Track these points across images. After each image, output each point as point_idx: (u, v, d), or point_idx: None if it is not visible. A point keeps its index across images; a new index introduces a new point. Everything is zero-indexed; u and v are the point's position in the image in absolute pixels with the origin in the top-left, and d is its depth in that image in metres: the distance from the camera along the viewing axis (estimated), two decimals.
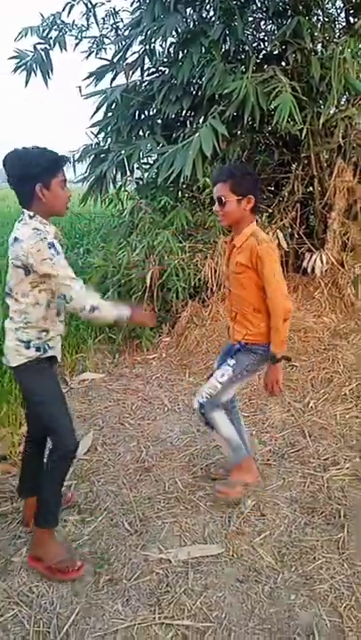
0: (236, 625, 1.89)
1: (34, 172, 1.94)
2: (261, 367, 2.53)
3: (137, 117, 5.76)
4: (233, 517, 2.49)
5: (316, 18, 5.29)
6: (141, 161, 5.54)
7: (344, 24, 5.45)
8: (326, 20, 5.37)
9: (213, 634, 1.86)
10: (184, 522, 2.47)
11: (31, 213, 1.99)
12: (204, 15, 5.54)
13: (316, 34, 5.01)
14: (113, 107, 5.72)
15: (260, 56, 5.51)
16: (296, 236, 5.32)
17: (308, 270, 5.10)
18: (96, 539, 2.36)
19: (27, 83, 5.64)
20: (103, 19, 5.88)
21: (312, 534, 2.37)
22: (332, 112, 4.89)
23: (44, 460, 2.23)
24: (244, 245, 2.33)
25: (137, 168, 5.60)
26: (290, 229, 5.26)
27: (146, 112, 5.79)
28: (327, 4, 5.27)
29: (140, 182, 5.82)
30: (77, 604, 2.00)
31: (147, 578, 2.12)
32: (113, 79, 5.77)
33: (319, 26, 5.24)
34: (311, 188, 5.43)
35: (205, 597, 2.02)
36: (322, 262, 5.00)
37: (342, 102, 5.28)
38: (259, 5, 5.58)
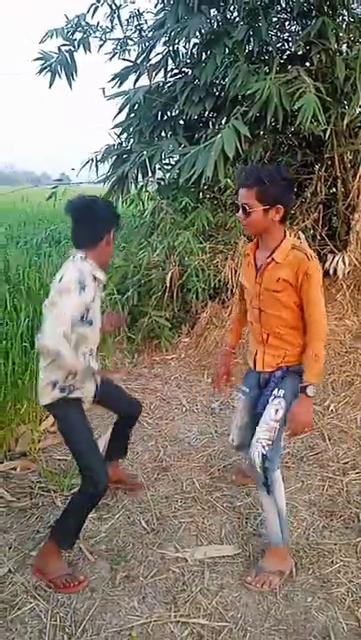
0: (251, 625, 1.88)
1: (108, 217, 2.06)
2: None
3: (159, 118, 5.78)
4: (250, 519, 2.48)
5: (341, 18, 5.23)
6: (163, 162, 5.56)
7: None
8: (352, 20, 5.30)
9: (229, 633, 1.85)
10: (201, 522, 2.47)
11: (83, 255, 2.04)
12: (227, 16, 5.53)
13: (341, 34, 4.95)
14: (136, 108, 5.75)
15: (284, 56, 5.48)
16: (318, 237, 5.27)
17: (331, 272, 5.04)
18: (113, 536, 2.37)
19: (51, 84, 5.70)
20: (127, 20, 5.91)
21: (330, 537, 2.35)
22: (356, 113, 4.83)
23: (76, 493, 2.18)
24: (288, 260, 2.04)
25: (159, 169, 5.62)
26: (312, 231, 5.21)
27: (168, 113, 5.81)
28: (353, 3, 5.21)
29: (162, 183, 5.84)
30: (94, 599, 2.02)
31: (163, 576, 2.13)
32: (136, 80, 5.80)
33: (344, 26, 5.18)
34: (334, 190, 5.37)
35: (221, 597, 2.01)
36: (344, 264, 4.94)
37: None
38: (283, 6, 5.55)
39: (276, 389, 2.12)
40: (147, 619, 1.92)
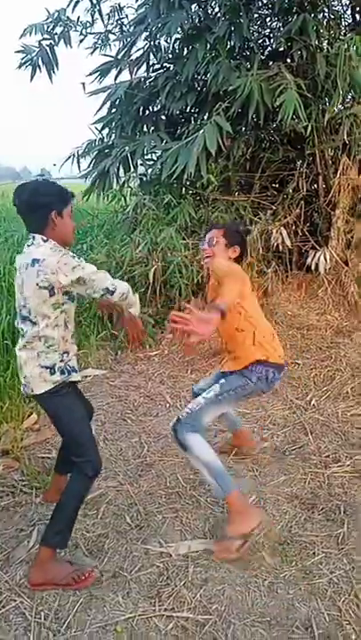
0: (235, 617, 1.90)
1: (48, 199, 2.02)
2: (251, 395, 2.47)
3: (141, 113, 5.77)
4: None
5: (322, 15, 5.27)
6: (145, 157, 5.55)
7: (350, 21, 5.45)
8: (332, 17, 5.36)
9: (213, 626, 1.87)
10: (185, 517, 2.48)
11: (44, 237, 2.02)
12: (209, 11, 5.54)
13: (321, 31, 5.00)
14: (117, 103, 5.73)
15: (266, 53, 5.51)
16: (300, 233, 5.32)
17: (312, 268, 5.10)
18: (98, 532, 2.37)
19: (32, 78, 5.66)
20: (108, 15, 5.89)
21: (312, 530, 2.38)
22: (337, 109, 4.88)
23: (68, 483, 2.16)
24: (212, 270, 2.43)
25: (140, 164, 5.61)
26: (294, 227, 5.26)
27: (150, 108, 5.80)
28: (333, 1, 5.26)
29: (144, 178, 5.83)
30: (78, 595, 2.01)
31: (147, 571, 2.14)
32: (117, 75, 5.77)
33: (325, 23, 5.23)
34: (316, 186, 5.43)
35: (205, 590, 2.03)
36: (326, 260, 5.00)
37: (348, 100, 5.27)
38: (264, 2, 5.59)
39: (221, 379, 2.43)
40: (131, 613, 1.93)
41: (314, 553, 2.23)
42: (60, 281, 1.93)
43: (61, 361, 2.05)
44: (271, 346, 2.40)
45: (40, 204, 2.01)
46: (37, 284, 1.94)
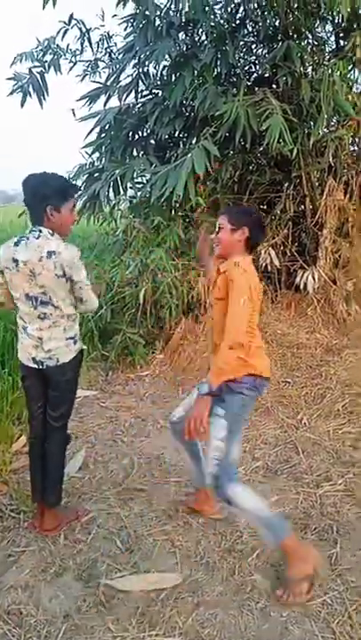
0: None
1: (45, 193, 2.18)
2: (251, 407, 2.37)
3: (130, 138, 5.85)
4: (226, 534, 2.48)
5: (306, 41, 5.42)
6: (135, 180, 5.61)
7: (334, 47, 5.60)
8: (316, 43, 5.51)
9: None
10: (176, 539, 2.45)
11: (50, 231, 2.22)
12: (196, 39, 5.67)
13: (306, 57, 5.13)
14: (106, 128, 5.82)
15: (252, 79, 5.64)
16: (288, 253, 5.38)
17: (301, 287, 5.15)
18: (87, 556, 2.33)
19: (22, 104, 5.73)
20: (97, 43, 5.99)
21: None
22: (322, 133, 4.98)
23: (49, 445, 2.45)
24: (225, 269, 2.20)
25: (130, 187, 5.67)
26: (282, 247, 5.32)
27: (139, 133, 5.89)
28: (317, 27, 5.41)
29: (134, 201, 5.89)
30: (67, 621, 1.97)
31: (138, 595, 2.10)
32: (106, 101, 5.88)
33: (309, 49, 5.37)
34: (303, 207, 5.51)
35: (197, 615, 2.00)
36: (314, 279, 5.05)
37: (332, 123, 5.40)
38: (250, 30, 5.73)
39: (218, 408, 2.16)
40: None
41: None
42: (73, 275, 2.21)
43: (77, 334, 2.38)
44: (259, 358, 2.25)
45: (38, 196, 2.19)
46: (56, 275, 2.18)
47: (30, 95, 5.70)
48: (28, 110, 5.93)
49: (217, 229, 2.32)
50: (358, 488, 2.83)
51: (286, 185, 5.50)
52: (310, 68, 5.36)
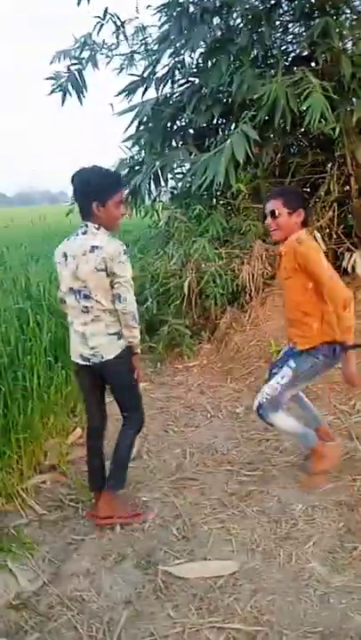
0: (287, 628, 1.86)
1: (90, 189, 2.22)
2: (322, 371, 2.64)
3: (169, 129, 5.85)
4: (281, 522, 2.46)
5: (344, 16, 5.23)
6: (175, 171, 5.61)
7: None
8: (355, 17, 5.30)
9: (265, 637, 1.84)
10: (232, 527, 2.46)
11: (96, 225, 2.25)
12: (230, 23, 5.58)
13: (344, 32, 4.95)
14: (145, 120, 5.83)
15: (289, 59, 5.49)
16: (335, 236, 5.24)
17: (349, 270, 5.00)
18: (144, 544, 2.38)
19: (63, 102, 5.81)
20: (132, 35, 5.99)
21: None
22: None
23: (120, 433, 2.51)
24: (287, 250, 2.47)
25: (170, 178, 5.68)
26: (328, 230, 5.18)
27: (177, 123, 5.88)
28: (355, 1, 5.21)
29: (174, 192, 5.89)
30: (128, 609, 2.02)
31: (196, 583, 2.13)
32: (144, 93, 5.88)
33: (348, 24, 5.18)
34: (348, 187, 5.34)
35: (255, 602, 2.00)
36: None
37: None
38: (285, 9, 5.58)
39: (291, 361, 2.57)
40: (181, 626, 1.92)
41: None
42: (114, 268, 2.20)
43: (120, 330, 2.33)
44: (332, 327, 2.48)
45: (84, 192, 2.23)
46: (96, 268, 2.20)
47: (70, 93, 5.78)
48: (66, 110, 6.00)
49: (270, 214, 2.47)
50: None
51: (330, 165, 5.34)
52: (350, 42, 5.16)
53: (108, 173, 2.29)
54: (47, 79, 5.77)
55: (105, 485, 2.51)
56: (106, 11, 5.62)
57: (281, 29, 5.68)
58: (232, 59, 4.98)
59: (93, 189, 2.20)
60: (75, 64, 5.76)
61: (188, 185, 5.29)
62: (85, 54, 5.78)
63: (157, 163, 5.24)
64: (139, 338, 2.37)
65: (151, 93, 5.84)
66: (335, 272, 2.43)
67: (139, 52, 6.08)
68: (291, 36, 5.81)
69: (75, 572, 2.23)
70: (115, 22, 5.78)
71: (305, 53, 5.30)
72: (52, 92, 5.79)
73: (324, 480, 2.69)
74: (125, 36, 5.92)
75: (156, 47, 5.85)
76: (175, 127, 5.88)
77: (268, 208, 2.51)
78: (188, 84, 5.74)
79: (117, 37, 5.90)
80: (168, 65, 5.75)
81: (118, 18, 5.75)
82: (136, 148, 6.12)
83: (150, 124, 5.80)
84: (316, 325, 2.48)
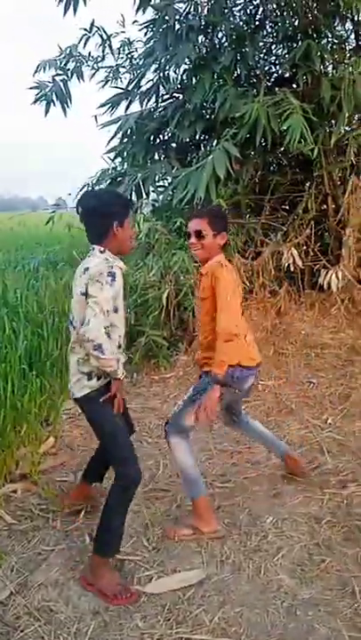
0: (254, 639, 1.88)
1: (112, 210, 2.12)
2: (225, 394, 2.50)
3: (152, 142, 5.91)
4: (251, 535, 2.49)
5: (326, 40, 5.40)
6: (156, 184, 5.67)
7: (354, 45, 5.55)
8: (336, 41, 5.48)
9: None
10: (202, 539, 2.46)
11: (102, 248, 2.13)
12: (215, 42, 5.70)
13: (326, 56, 5.11)
14: (128, 133, 5.89)
15: (271, 79, 5.63)
16: (311, 253, 5.35)
17: (325, 287, 5.11)
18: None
19: (46, 112, 5.85)
20: (118, 49, 6.07)
21: (331, 550, 2.36)
22: (343, 131, 4.95)
23: (108, 492, 2.20)
24: (207, 271, 2.42)
25: (152, 191, 5.72)
26: (305, 247, 5.29)
27: (160, 137, 5.95)
28: (336, 26, 5.38)
29: (156, 204, 5.94)
30: (96, 619, 2.01)
31: (165, 594, 2.13)
32: (128, 107, 5.95)
33: (329, 48, 5.35)
34: (325, 206, 5.47)
35: (223, 613, 2.01)
36: (338, 278, 5.00)
37: (354, 121, 5.35)
38: (269, 30, 5.74)
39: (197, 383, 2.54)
40: (149, 637, 1.92)
41: (333, 574, 2.21)
42: (89, 288, 2.01)
43: (98, 368, 2.08)
44: (245, 350, 2.47)
45: (105, 213, 2.11)
46: (79, 292, 2.06)
47: (54, 104, 5.81)
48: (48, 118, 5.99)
49: (195, 234, 2.41)
50: None
51: (308, 184, 5.47)
52: (330, 66, 5.34)
53: (120, 194, 2.29)
54: (31, 88, 5.80)
55: (89, 480, 2.54)
56: (92, 24, 5.69)
57: (264, 50, 5.83)
58: (216, 77, 5.09)
59: (114, 210, 2.12)
60: (59, 74, 5.81)
61: (169, 198, 5.34)
62: (71, 65, 5.83)
63: (139, 175, 5.28)
64: (113, 367, 2.06)
65: (135, 107, 5.92)
66: (239, 306, 2.42)
67: (124, 66, 6.16)
68: (273, 58, 5.98)
69: (43, 583, 2.21)
70: (101, 35, 5.86)
71: (287, 75, 5.44)
72: (35, 100, 5.82)
73: (188, 534, 2.45)
74: (111, 49, 6.00)
75: (141, 62, 5.94)
76: (158, 141, 5.95)
77: (193, 227, 2.43)
78: (171, 100, 5.83)
79: (103, 50, 5.97)
80: (153, 80, 5.84)
81: (104, 31, 5.83)
82: (118, 159, 6.17)
83: (134, 137, 5.86)
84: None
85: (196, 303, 2.75)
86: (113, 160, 6.18)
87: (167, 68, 5.59)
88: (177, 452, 2.48)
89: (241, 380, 2.49)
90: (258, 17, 5.65)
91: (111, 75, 6.12)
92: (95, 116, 5.77)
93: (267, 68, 5.86)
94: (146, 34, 5.83)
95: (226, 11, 5.24)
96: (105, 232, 2.12)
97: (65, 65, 5.81)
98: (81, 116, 6.43)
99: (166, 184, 5.71)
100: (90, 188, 6.07)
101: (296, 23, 5.22)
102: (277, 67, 5.88)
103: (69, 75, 5.82)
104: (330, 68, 5.33)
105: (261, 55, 5.79)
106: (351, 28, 5.56)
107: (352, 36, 5.60)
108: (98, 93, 6.25)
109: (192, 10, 5.44)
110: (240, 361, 2.42)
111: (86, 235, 2.20)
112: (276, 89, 4.90)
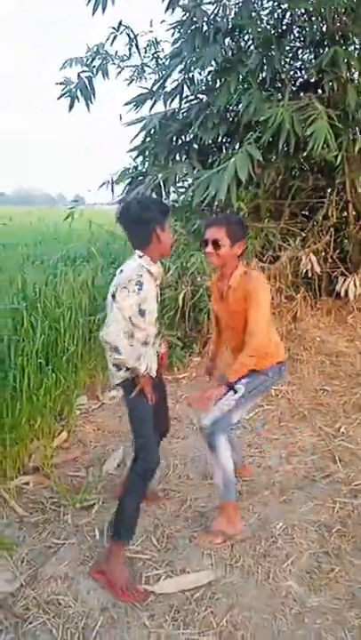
0: None
1: (153, 215, 2.19)
2: (269, 387, 2.64)
3: (174, 143, 5.92)
4: (261, 539, 2.49)
5: (353, 47, 5.37)
6: (177, 184, 5.68)
7: None
8: None
9: None
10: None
11: (141, 253, 2.22)
12: (242, 45, 5.69)
13: (352, 62, 5.08)
14: (151, 133, 5.91)
15: (297, 84, 5.61)
16: (330, 259, 5.33)
17: (342, 294, 5.09)
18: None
19: (70, 108, 5.88)
20: (145, 48, 6.10)
21: (341, 559, 2.35)
22: None
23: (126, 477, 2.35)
24: (240, 284, 2.40)
25: (173, 191, 5.74)
26: (323, 253, 5.27)
27: (183, 138, 5.95)
28: None
29: (176, 205, 5.95)
30: (104, 615, 2.03)
31: (174, 594, 2.14)
32: (152, 106, 5.97)
33: (356, 54, 5.31)
34: (346, 213, 5.45)
35: (231, 616, 2.02)
36: (355, 286, 4.99)
37: None
38: (296, 35, 5.71)
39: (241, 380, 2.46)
40: (156, 636, 1.93)
41: (342, 583, 2.20)
42: (116, 293, 2.12)
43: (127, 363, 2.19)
44: (279, 348, 2.60)
45: (148, 219, 2.18)
46: (112, 291, 2.15)
47: (78, 100, 5.85)
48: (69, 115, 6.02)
49: (212, 243, 2.36)
50: None
51: (330, 191, 5.45)
52: (357, 73, 5.30)
53: (158, 200, 2.35)
54: (57, 84, 5.84)
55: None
56: (120, 23, 5.72)
57: (291, 55, 5.81)
58: (241, 80, 5.08)
59: (155, 216, 2.19)
60: (85, 71, 5.85)
61: (189, 199, 5.35)
62: (97, 63, 5.87)
63: (160, 175, 5.30)
64: (131, 364, 2.18)
65: (159, 107, 5.94)
66: (268, 318, 2.42)
67: (150, 66, 6.18)
68: (300, 62, 5.95)
69: (53, 576, 2.24)
70: (128, 34, 5.89)
71: (312, 80, 5.42)
72: (60, 96, 5.86)
73: (222, 544, 2.45)
74: (138, 48, 6.02)
75: (167, 62, 5.95)
76: (180, 142, 5.96)
77: (210, 235, 2.38)
78: (196, 101, 5.83)
79: (130, 49, 6.00)
80: (178, 80, 5.85)
81: (132, 30, 5.86)
82: (140, 158, 6.20)
83: (156, 137, 5.88)
84: (268, 344, 2.48)
85: (214, 308, 2.72)
86: (135, 159, 6.21)
87: (193, 69, 5.60)
88: (223, 453, 2.45)
89: (284, 372, 2.65)
90: (285, 21, 5.63)
91: (136, 74, 6.14)
92: (120, 115, 5.81)
93: (292, 73, 5.84)
94: (173, 34, 5.85)
95: (253, 14, 5.22)
96: (148, 238, 2.20)
97: (91, 62, 5.85)
98: (84, 115, 6.45)
99: (187, 185, 5.72)
100: (110, 185, 6.11)
101: (324, 29, 5.20)
102: (303, 72, 5.86)
103: (95, 72, 5.85)
104: (356, 75, 5.30)
105: (287, 59, 5.77)
106: None
107: None
108: (119, 92, 6.29)
109: (220, 12, 5.43)
110: (278, 358, 2.56)
111: (129, 241, 2.28)
112: (302, 94, 4.90)
